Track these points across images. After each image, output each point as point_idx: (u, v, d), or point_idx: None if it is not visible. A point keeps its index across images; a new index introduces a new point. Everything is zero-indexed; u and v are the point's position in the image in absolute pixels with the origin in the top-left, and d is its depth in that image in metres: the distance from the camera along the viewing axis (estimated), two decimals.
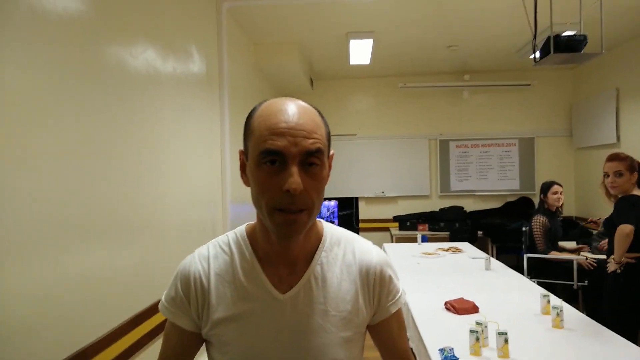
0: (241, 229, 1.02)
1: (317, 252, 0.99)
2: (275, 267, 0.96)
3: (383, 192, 6.78)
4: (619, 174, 2.79)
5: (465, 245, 4.83)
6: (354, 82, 6.82)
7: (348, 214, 7.05)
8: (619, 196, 2.83)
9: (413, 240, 5.25)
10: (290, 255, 0.96)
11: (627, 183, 2.79)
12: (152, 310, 2.25)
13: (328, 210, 6.35)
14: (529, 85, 6.45)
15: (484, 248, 6.28)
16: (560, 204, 4.16)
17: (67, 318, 1.64)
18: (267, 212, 0.86)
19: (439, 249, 4.59)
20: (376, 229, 6.80)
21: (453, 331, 2.30)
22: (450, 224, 6.34)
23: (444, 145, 6.77)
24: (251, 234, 1.00)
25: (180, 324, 0.98)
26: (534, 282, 3.42)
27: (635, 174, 2.80)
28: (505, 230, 5.95)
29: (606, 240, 3.37)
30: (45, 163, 1.55)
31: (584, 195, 6.35)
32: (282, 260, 0.96)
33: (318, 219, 1.02)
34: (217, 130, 3.53)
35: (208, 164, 3.30)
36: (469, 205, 6.73)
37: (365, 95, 6.85)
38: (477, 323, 2.09)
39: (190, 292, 0.96)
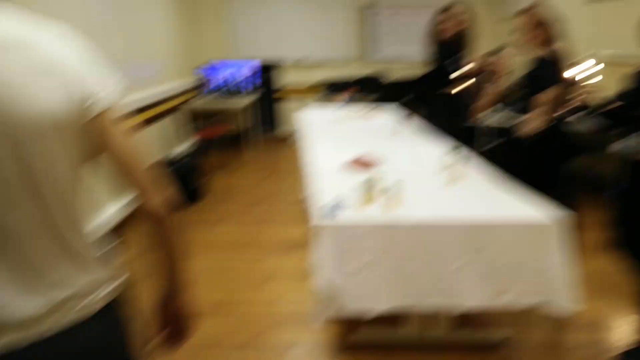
0: None
1: None
2: None
3: (307, 56, 6.42)
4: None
5: (390, 106, 4.70)
6: None
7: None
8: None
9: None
10: None
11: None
12: None
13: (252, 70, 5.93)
14: None
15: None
16: None
17: None
18: None
19: (361, 111, 4.44)
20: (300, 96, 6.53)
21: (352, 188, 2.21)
22: (378, 88, 6.18)
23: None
24: None
25: None
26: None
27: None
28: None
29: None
30: None
31: None
32: None
33: None
34: None
35: None
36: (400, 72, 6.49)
37: None
38: (369, 178, 2.02)
39: None
